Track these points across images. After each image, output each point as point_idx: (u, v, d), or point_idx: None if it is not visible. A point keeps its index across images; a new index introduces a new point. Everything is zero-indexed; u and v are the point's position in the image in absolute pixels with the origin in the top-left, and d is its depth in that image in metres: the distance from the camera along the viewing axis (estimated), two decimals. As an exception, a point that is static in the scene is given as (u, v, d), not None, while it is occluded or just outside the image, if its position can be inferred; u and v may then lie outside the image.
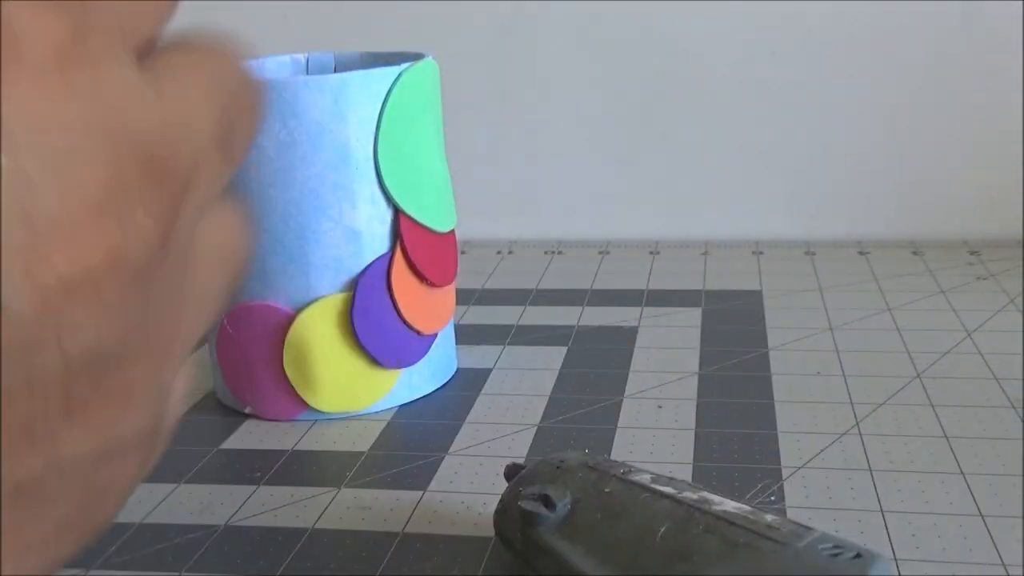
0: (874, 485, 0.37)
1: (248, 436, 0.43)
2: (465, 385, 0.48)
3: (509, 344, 0.52)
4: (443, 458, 0.41)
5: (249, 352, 0.43)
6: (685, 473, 0.39)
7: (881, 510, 0.36)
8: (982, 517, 0.35)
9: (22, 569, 0.16)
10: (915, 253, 0.65)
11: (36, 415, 0.15)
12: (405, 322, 0.44)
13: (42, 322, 0.14)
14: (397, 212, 0.43)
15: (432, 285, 0.45)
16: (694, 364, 0.49)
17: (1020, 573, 0.32)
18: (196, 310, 0.18)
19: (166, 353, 0.17)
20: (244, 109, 0.19)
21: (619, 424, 0.43)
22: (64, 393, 0.15)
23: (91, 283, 0.15)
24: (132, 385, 0.16)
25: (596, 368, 0.49)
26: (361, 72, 0.41)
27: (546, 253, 0.69)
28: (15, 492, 0.15)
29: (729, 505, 0.29)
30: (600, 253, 0.68)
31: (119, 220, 0.15)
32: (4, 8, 0.14)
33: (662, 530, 0.28)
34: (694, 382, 0.47)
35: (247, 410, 0.45)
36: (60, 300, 0.14)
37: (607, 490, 0.30)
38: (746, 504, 0.29)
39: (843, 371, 0.47)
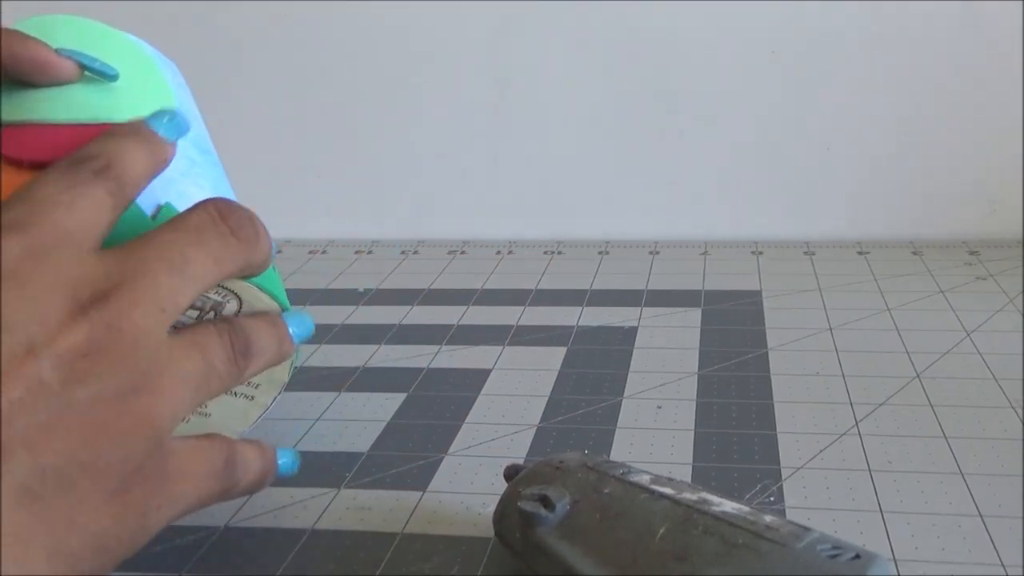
0: (873, 485, 0.37)
1: (248, 437, 0.43)
2: (465, 385, 0.48)
3: (508, 344, 0.52)
4: (442, 458, 0.41)
5: None
6: (684, 473, 0.39)
7: (880, 510, 0.36)
8: (981, 517, 0.35)
9: (100, 521, 0.26)
10: (914, 253, 0.65)
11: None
12: None
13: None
14: None
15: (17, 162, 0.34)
16: (693, 364, 0.49)
17: (1020, 574, 0.32)
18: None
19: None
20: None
21: (618, 424, 0.43)
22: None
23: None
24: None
25: (595, 368, 0.49)
26: None
27: (545, 253, 0.69)
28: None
29: (728, 506, 0.29)
30: (600, 253, 0.68)
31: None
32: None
33: (661, 531, 0.28)
34: (693, 382, 0.47)
35: None
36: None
37: (606, 491, 0.30)
38: (745, 505, 0.29)
39: (842, 371, 0.47)
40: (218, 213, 0.31)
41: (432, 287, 0.62)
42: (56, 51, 0.35)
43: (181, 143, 0.37)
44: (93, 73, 0.35)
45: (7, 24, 0.37)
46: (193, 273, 0.29)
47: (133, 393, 0.27)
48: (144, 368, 0.27)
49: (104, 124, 0.35)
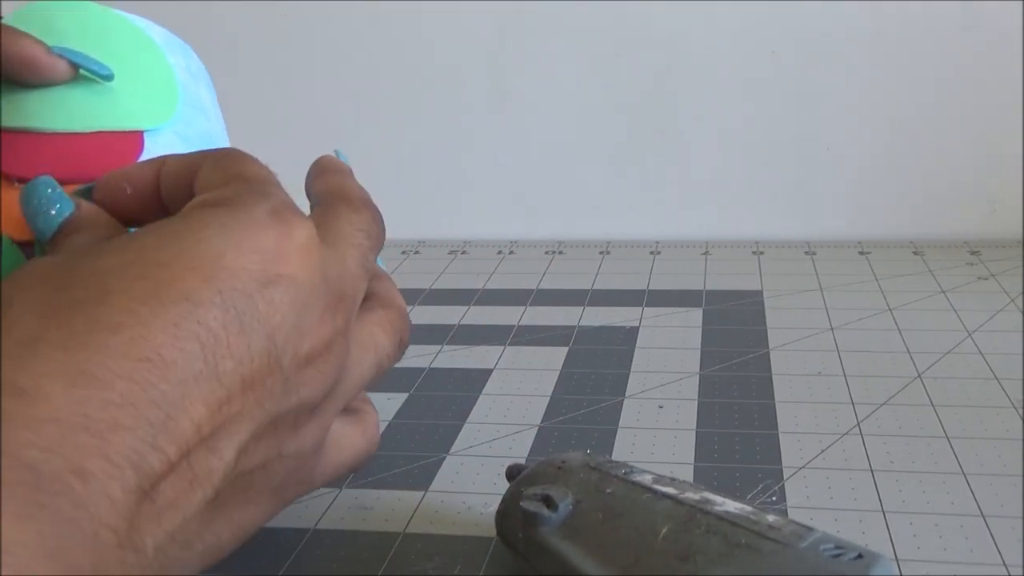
0: (875, 485, 0.37)
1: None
2: (466, 385, 0.48)
3: (510, 344, 0.52)
4: (444, 458, 0.41)
5: None
6: (686, 473, 0.39)
7: (882, 510, 0.36)
8: (983, 517, 0.35)
9: (262, 510, 0.27)
10: (916, 253, 0.65)
11: (284, 428, 0.26)
12: None
13: (294, 378, 0.26)
14: None
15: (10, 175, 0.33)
16: (695, 364, 0.49)
17: (1021, 573, 0.32)
18: (355, 377, 0.30)
19: (337, 403, 0.29)
20: (376, 244, 0.32)
21: (620, 424, 0.43)
22: (294, 419, 0.27)
23: (317, 359, 0.27)
24: (320, 417, 0.28)
25: (597, 368, 0.49)
26: None
27: (547, 253, 0.69)
28: (264, 465, 0.26)
29: (730, 505, 0.29)
30: (601, 253, 0.68)
31: (331, 323, 0.27)
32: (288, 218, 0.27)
33: (663, 531, 0.28)
34: (695, 382, 0.47)
35: None
36: (303, 368, 0.26)
37: (608, 491, 0.30)
38: (747, 504, 0.29)
39: (844, 371, 0.47)
40: (378, 226, 0.33)
41: (433, 287, 0.62)
42: (50, 49, 0.34)
43: (190, 142, 0.37)
44: (87, 73, 0.34)
45: (7, 11, 0.37)
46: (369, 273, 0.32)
47: (327, 399, 0.28)
48: (340, 375, 0.29)
49: (99, 132, 0.34)
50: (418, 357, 0.51)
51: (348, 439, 0.31)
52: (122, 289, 0.23)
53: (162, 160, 0.32)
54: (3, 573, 0.18)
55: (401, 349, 0.33)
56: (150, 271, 0.24)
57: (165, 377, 0.22)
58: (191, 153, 0.31)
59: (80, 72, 0.34)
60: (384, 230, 0.33)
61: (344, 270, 0.29)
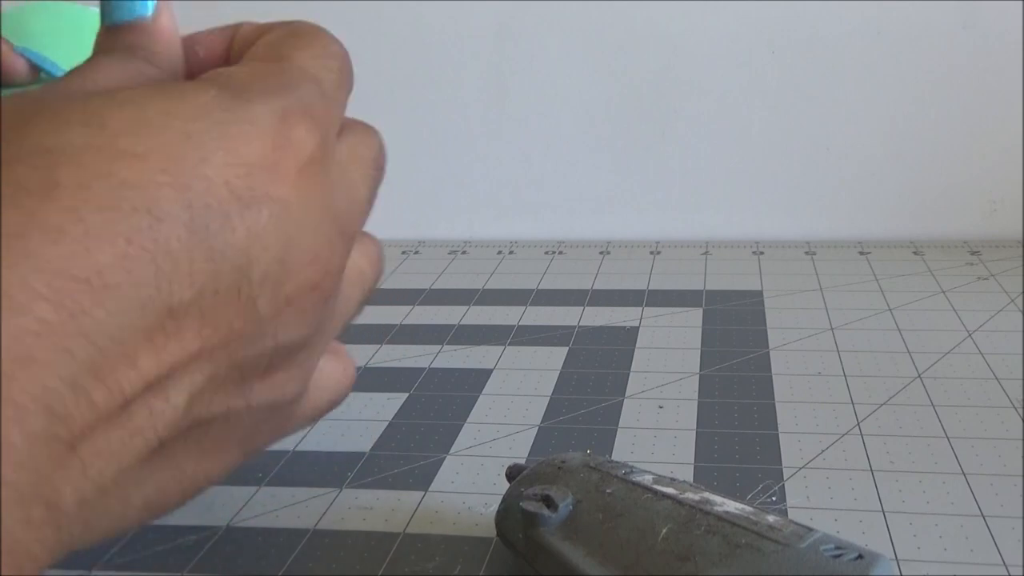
0: (875, 485, 0.37)
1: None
2: (466, 385, 0.48)
3: (510, 344, 0.52)
4: (444, 458, 0.41)
5: None
6: (686, 473, 0.39)
7: (882, 510, 0.36)
8: (983, 517, 0.35)
9: (221, 462, 0.24)
10: (916, 253, 0.65)
11: (253, 374, 0.23)
12: None
13: (270, 321, 0.22)
14: None
15: None
16: (695, 364, 0.49)
17: (1021, 574, 0.32)
18: (343, 315, 0.27)
19: (322, 346, 0.26)
20: (379, 174, 0.30)
21: (620, 424, 0.43)
22: (267, 365, 0.23)
23: (300, 300, 0.23)
24: (302, 364, 0.25)
25: (597, 368, 0.49)
26: None
27: (547, 253, 0.69)
28: (226, 415, 0.23)
29: (731, 506, 0.29)
30: (601, 253, 0.68)
31: (325, 263, 0.23)
32: (280, 127, 0.22)
33: (664, 531, 0.28)
34: (695, 382, 0.47)
35: None
36: (282, 310, 0.22)
37: (609, 491, 0.30)
38: (747, 505, 0.29)
39: (844, 371, 0.47)
40: (383, 155, 0.31)
41: (433, 287, 0.62)
42: (12, 48, 0.32)
43: None
44: (45, 74, 0.33)
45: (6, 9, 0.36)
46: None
47: (310, 343, 0.25)
48: (328, 316, 0.25)
49: None
50: (418, 357, 0.51)
51: (330, 377, 0.28)
52: (76, 183, 0.19)
53: (237, 26, 0.28)
54: None
55: (379, 281, 0.30)
56: (116, 165, 0.19)
57: (101, 303, 0.18)
58: (271, 22, 0.28)
59: (41, 75, 0.34)
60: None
61: (354, 198, 0.25)
